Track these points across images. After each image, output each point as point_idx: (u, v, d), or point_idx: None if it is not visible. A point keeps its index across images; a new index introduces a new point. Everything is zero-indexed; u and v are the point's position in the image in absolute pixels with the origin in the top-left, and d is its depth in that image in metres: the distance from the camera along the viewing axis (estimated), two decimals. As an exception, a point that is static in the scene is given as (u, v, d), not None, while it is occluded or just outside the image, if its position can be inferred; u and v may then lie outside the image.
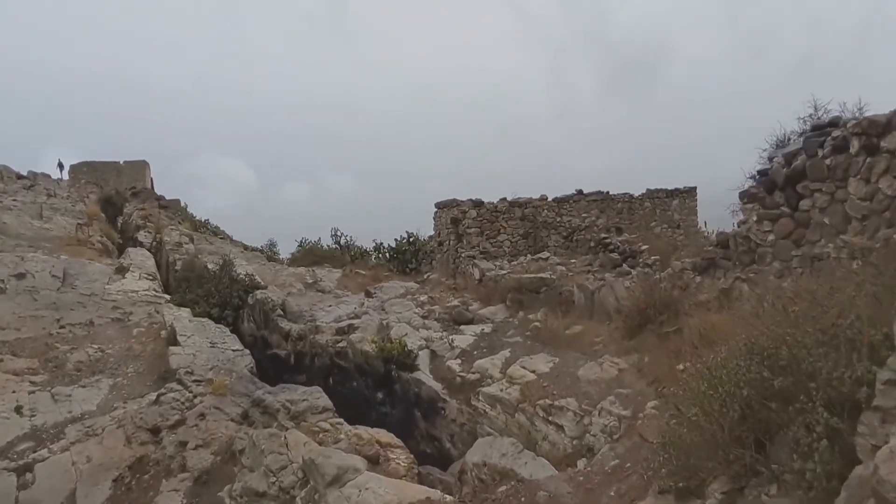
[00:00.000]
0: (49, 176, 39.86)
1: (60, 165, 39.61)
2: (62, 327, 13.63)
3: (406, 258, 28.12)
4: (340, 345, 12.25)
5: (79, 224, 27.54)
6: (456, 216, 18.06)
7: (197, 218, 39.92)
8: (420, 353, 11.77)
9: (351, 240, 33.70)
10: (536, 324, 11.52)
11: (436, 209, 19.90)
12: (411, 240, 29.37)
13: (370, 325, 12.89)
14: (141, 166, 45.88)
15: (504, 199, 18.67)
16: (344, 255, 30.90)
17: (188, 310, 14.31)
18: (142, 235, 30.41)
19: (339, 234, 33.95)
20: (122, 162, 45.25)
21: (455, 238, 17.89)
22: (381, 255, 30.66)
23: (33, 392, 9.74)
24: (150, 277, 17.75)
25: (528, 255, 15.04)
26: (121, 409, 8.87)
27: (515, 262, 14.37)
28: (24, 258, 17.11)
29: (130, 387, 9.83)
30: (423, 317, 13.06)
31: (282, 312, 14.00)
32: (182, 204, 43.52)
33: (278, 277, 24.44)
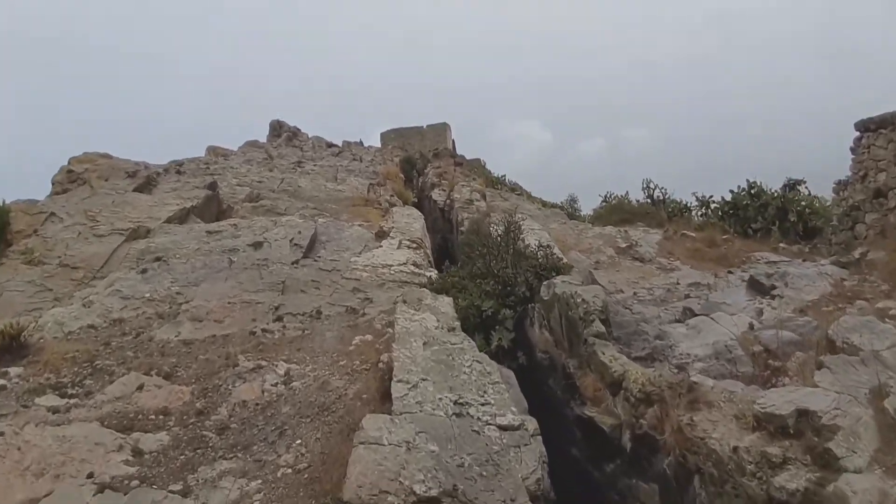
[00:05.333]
0: (361, 144, 39.76)
1: (361, 143, 39.33)
2: (277, 319, 8.75)
3: (748, 215, 18.75)
4: (790, 484, 3.66)
5: (370, 184, 24.66)
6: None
7: (493, 175, 35.65)
8: None
9: (666, 193, 24.95)
10: None
11: (861, 133, 10.32)
12: (753, 191, 19.71)
13: (861, 419, 3.96)
14: (442, 129, 44.23)
15: None
16: (659, 212, 22.54)
17: (448, 301, 8.13)
18: (435, 194, 26.64)
19: (651, 185, 25.38)
20: (425, 126, 44.26)
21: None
22: (708, 213, 21.54)
23: (106, 489, 4.44)
24: (413, 246, 12.30)
25: None
26: None
27: None
28: (277, 222, 13.23)
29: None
30: None
31: (601, 326, 6.79)
32: (481, 163, 40.21)
33: (582, 240, 17.49)
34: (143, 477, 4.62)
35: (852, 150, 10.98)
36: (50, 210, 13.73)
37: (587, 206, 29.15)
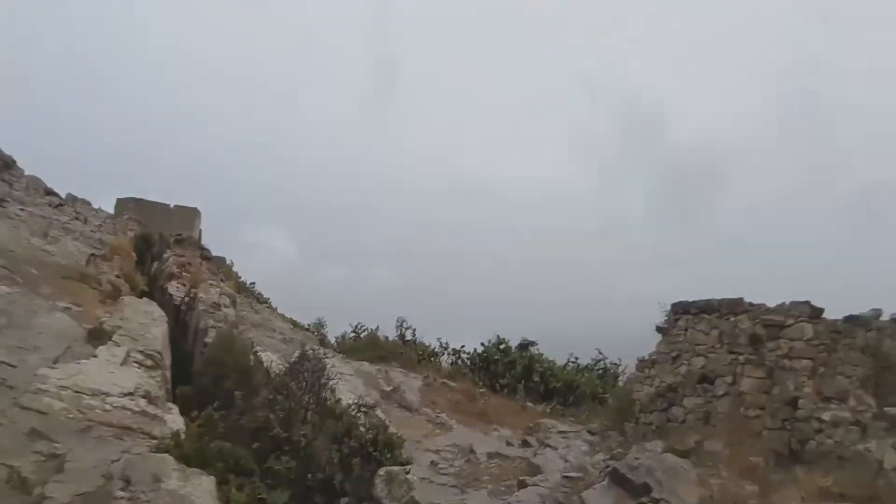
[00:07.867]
0: (89, 204, 31.62)
1: (90, 204, 31.78)
2: None
3: (498, 371, 18.96)
4: None
5: (93, 255, 18.43)
6: (756, 333, 8.46)
7: (241, 280, 31.08)
8: None
9: (416, 335, 24.04)
10: None
11: (671, 316, 10.37)
12: (501, 347, 20.15)
13: None
14: (191, 213, 37.98)
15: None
16: (411, 354, 21.41)
17: (208, 487, 4.64)
18: (172, 287, 20.91)
19: (405, 325, 24.16)
20: (172, 205, 37.71)
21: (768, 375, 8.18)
22: (459, 361, 21.12)
23: None
24: (149, 363, 8.14)
25: None
26: None
27: None
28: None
29: None
30: None
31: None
32: (228, 262, 35.12)
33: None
34: None
35: (662, 329, 10.91)
36: None
37: (332, 332, 26.68)
